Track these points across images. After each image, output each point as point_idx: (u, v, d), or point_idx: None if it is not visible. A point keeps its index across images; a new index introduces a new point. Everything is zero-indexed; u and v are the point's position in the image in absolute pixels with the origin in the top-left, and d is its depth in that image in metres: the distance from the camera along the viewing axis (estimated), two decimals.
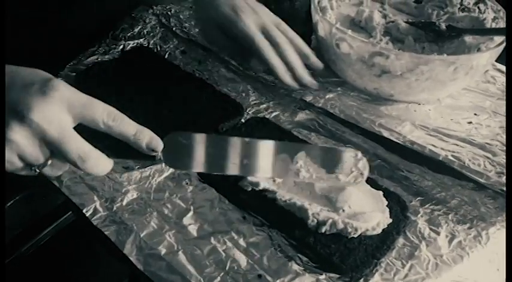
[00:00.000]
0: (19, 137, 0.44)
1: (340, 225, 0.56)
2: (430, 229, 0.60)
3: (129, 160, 0.61)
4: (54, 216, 0.78)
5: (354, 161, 0.57)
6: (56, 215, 0.77)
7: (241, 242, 0.57)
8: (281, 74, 0.70)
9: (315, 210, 0.57)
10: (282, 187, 0.61)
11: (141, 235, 0.56)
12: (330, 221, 0.56)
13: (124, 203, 0.60)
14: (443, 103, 0.77)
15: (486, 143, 0.69)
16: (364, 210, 0.58)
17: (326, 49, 0.78)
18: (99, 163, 0.49)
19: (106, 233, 0.56)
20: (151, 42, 0.87)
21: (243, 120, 0.72)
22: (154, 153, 0.51)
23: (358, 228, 0.56)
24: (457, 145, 0.69)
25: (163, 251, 0.55)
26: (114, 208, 0.59)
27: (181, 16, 0.94)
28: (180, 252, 0.55)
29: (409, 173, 0.66)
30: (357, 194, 0.60)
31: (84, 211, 0.58)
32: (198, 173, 0.64)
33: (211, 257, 0.55)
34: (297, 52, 0.74)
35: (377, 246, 0.56)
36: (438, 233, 0.59)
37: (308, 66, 0.76)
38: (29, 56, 0.77)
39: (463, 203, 0.63)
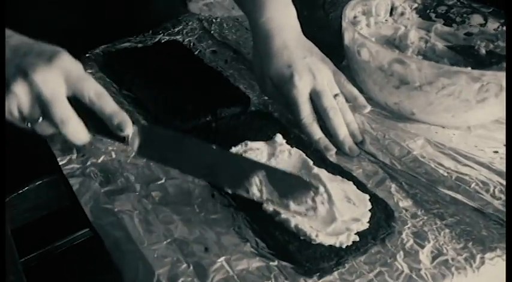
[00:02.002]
0: (20, 91, 0.50)
1: (291, 227, 0.50)
2: (415, 242, 0.52)
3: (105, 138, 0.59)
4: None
5: (311, 194, 0.52)
6: None
7: (202, 216, 0.53)
8: (320, 148, 0.64)
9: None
10: None
11: (102, 190, 0.55)
12: (283, 216, 0.51)
13: (100, 160, 0.59)
14: (473, 132, 0.70)
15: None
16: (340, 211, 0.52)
17: (350, 58, 0.75)
18: (78, 130, 0.52)
19: (70, 181, 0.56)
20: (187, 39, 0.90)
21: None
22: (122, 133, 0.52)
23: (313, 239, 0.50)
24: (471, 167, 0.62)
25: (117, 208, 0.53)
26: (88, 163, 0.58)
27: (224, 24, 0.96)
28: (134, 213, 0.53)
29: (409, 186, 0.60)
30: (337, 192, 0.55)
31: (58, 159, 0.58)
32: None
33: (163, 223, 0.52)
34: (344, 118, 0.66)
35: (346, 245, 0.50)
36: (422, 247, 0.52)
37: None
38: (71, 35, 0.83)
39: (462, 223, 0.55)
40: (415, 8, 0.88)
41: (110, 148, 0.61)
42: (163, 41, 0.88)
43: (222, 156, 0.54)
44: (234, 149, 0.58)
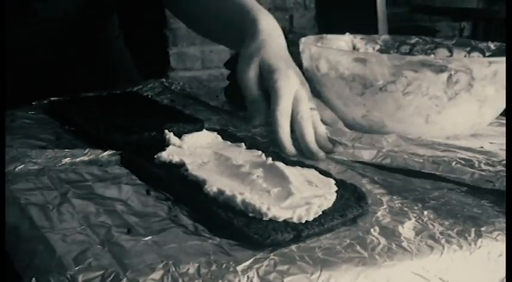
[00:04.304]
0: None
1: (237, 203, 0.41)
2: (393, 219, 0.42)
3: None
4: None
5: None
6: None
7: (131, 208, 0.43)
8: (281, 137, 0.57)
9: (219, 184, 0.44)
10: (203, 166, 0.49)
11: (11, 187, 0.45)
12: (227, 193, 0.42)
13: (17, 168, 0.50)
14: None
15: (501, 149, 0.53)
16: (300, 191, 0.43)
17: (311, 80, 0.70)
18: None
19: None
20: (146, 93, 0.85)
21: None
22: None
23: (264, 213, 0.40)
24: (451, 151, 0.54)
25: (25, 201, 0.43)
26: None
27: (186, 85, 0.93)
28: (45, 206, 0.43)
29: (383, 180, 0.51)
30: (295, 175, 0.46)
31: None
32: (121, 159, 0.54)
33: (80, 213, 0.42)
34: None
35: (306, 222, 0.40)
36: (402, 223, 0.42)
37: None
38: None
39: (449, 205, 0.45)
40: (378, 50, 0.87)
41: (34, 160, 0.53)
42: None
43: None
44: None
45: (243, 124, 0.68)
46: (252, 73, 0.64)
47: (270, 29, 0.69)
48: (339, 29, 0.84)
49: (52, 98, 0.77)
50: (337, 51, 0.64)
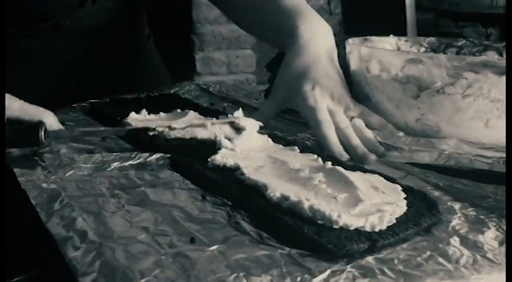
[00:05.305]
0: None
1: (305, 210, 0.39)
2: (471, 229, 0.39)
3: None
4: None
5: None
6: None
7: (189, 215, 0.41)
8: (334, 153, 0.55)
9: (282, 189, 0.41)
10: (259, 170, 0.46)
11: (64, 194, 0.43)
12: (293, 199, 0.39)
13: (67, 174, 0.49)
14: None
15: None
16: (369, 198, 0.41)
17: (359, 83, 0.68)
18: None
19: (29, 193, 0.44)
20: (184, 96, 0.83)
21: None
22: None
23: (334, 221, 0.37)
24: None
25: (79, 209, 0.41)
26: (53, 176, 0.48)
27: (223, 88, 0.91)
28: (101, 214, 0.41)
29: (449, 186, 0.48)
30: (360, 181, 0.44)
31: (19, 178, 0.47)
32: (170, 162, 0.52)
33: (138, 221, 0.40)
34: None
35: (380, 230, 0.37)
36: (482, 232, 0.39)
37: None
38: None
39: None
40: (424, 52, 0.84)
41: (83, 165, 0.51)
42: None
43: None
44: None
45: (288, 127, 0.66)
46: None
47: (308, 36, 0.67)
48: (366, 34, 0.81)
49: (92, 100, 0.76)
50: (390, 51, 0.62)
